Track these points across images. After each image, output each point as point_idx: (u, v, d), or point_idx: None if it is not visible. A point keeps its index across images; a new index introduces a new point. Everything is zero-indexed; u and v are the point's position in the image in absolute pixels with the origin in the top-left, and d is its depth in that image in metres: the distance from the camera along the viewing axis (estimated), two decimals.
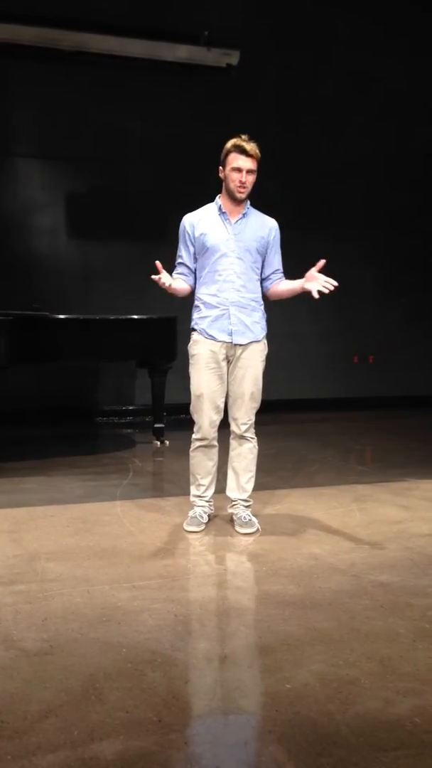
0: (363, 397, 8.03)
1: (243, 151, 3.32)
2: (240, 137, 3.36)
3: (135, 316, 5.65)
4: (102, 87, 6.90)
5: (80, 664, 2.20)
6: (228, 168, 3.37)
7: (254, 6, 7.27)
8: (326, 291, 3.28)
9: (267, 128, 7.32)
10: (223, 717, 1.97)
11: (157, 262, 3.29)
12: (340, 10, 7.50)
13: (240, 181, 3.34)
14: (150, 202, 7.01)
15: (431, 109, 8.01)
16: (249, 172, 3.35)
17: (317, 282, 3.30)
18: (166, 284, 3.35)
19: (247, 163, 3.33)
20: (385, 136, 7.85)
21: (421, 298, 8.18)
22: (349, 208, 7.82)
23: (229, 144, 3.37)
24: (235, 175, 3.35)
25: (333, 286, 3.26)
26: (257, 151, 3.35)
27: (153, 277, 3.30)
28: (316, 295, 3.29)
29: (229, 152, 3.36)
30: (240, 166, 3.33)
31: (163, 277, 3.32)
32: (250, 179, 3.37)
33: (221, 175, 3.43)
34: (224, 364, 3.51)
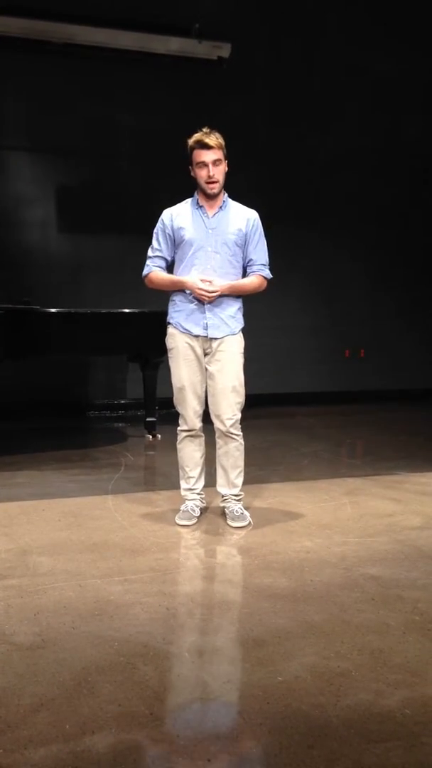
0: (354, 391, 8.04)
1: (204, 145, 3.29)
2: (200, 131, 3.33)
3: (126, 310, 5.63)
4: (93, 80, 6.86)
5: (72, 658, 2.21)
6: (194, 165, 3.36)
7: None
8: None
9: (258, 121, 7.30)
10: (215, 710, 1.98)
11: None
12: (331, 2, 7.48)
13: (208, 176, 3.32)
14: (141, 195, 6.97)
15: (423, 101, 8.01)
16: (215, 163, 3.32)
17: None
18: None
19: (210, 155, 3.30)
20: (376, 128, 7.84)
21: (412, 292, 8.19)
22: (340, 201, 7.82)
23: (191, 141, 3.34)
24: (202, 172, 3.33)
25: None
26: (219, 140, 3.31)
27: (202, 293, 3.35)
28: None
29: (192, 149, 3.34)
30: (204, 160, 3.31)
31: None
32: (218, 170, 3.33)
33: (192, 173, 3.40)
34: (202, 356, 3.51)
